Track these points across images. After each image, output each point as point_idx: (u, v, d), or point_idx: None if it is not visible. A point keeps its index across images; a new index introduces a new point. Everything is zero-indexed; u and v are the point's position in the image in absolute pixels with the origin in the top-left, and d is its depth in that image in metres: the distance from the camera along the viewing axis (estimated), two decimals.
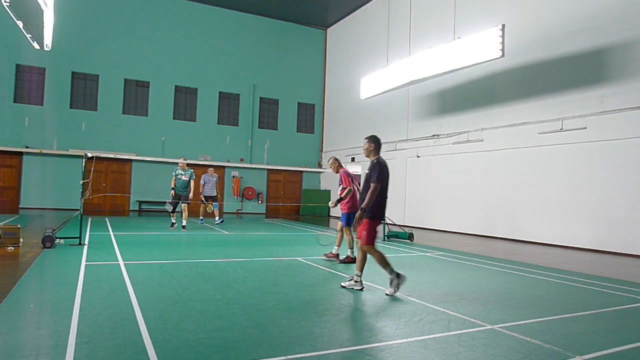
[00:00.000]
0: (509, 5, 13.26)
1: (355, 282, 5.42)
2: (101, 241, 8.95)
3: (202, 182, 13.98)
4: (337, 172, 7.70)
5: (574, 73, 11.37)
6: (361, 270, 5.40)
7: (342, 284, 5.59)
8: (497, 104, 13.44)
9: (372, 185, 5.11)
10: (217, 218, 14.28)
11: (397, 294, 5.24)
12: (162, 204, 19.60)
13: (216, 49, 21.23)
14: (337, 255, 7.69)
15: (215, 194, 14.13)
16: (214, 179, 14.17)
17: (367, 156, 5.51)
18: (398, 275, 5.16)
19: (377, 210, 5.19)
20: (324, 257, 7.77)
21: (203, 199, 13.97)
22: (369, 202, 5.06)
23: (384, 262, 5.21)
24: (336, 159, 7.85)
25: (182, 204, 11.89)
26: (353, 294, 5.26)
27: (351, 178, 7.43)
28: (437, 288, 5.78)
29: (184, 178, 11.90)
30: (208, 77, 20.99)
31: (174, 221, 12.15)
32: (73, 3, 17.76)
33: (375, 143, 5.43)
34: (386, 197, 5.29)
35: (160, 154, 19.48)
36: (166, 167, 19.74)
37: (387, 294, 5.17)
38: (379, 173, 5.14)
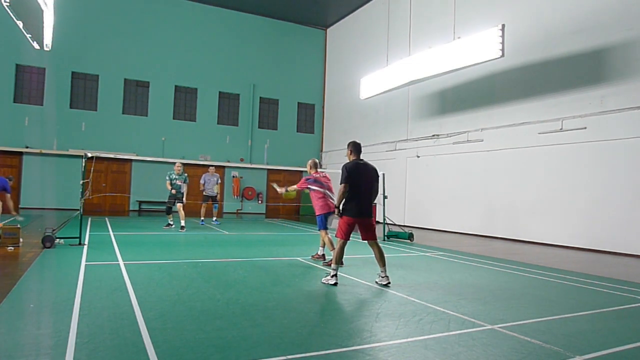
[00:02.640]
0: (509, 5, 13.26)
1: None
2: (101, 241, 8.95)
3: (202, 181, 13.88)
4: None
5: (574, 73, 11.37)
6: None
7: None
8: (497, 104, 13.44)
9: (340, 186, 5.67)
10: (214, 218, 14.30)
11: (398, 294, 5.23)
12: (162, 204, 19.60)
13: (216, 49, 21.23)
14: (323, 256, 7.64)
15: (215, 194, 14.03)
16: (214, 178, 14.03)
17: (348, 159, 6.02)
18: (334, 276, 5.63)
19: (348, 208, 5.65)
20: (311, 258, 7.77)
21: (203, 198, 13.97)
22: (338, 201, 5.67)
23: (338, 257, 5.65)
24: (315, 163, 7.68)
25: (177, 204, 11.90)
26: (352, 294, 5.26)
27: (311, 182, 7.32)
28: (437, 288, 5.78)
29: (178, 182, 11.94)
30: (208, 77, 20.99)
31: (170, 222, 12.20)
32: (73, 3, 17.76)
33: (350, 147, 5.92)
34: (362, 196, 5.66)
35: (160, 154, 19.48)
36: (166, 167, 19.66)
37: (322, 282, 5.74)
38: (345, 177, 5.62)
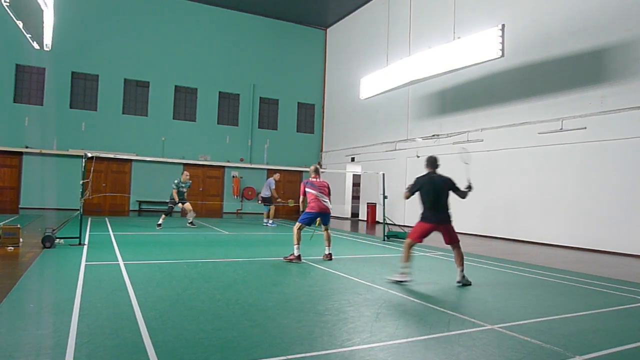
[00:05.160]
0: (509, 5, 13.26)
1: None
2: (101, 241, 8.95)
3: (272, 186, 14.59)
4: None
5: (574, 73, 11.37)
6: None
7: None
8: (497, 104, 13.44)
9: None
10: (270, 220, 14.84)
11: (398, 294, 5.25)
12: (162, 204, 19.59)
13: (216, 49, 21.23)
14: (330, 255, 7.78)
15: (268, 196, 14.71)
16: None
17: None
18: (403, 274, 5.87)
19: (424, 215, 6.05)
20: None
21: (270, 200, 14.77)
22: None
23: (405, 256, 5.95)
24: (316, 169, 8.02)
25: (186, 204, 12.60)
26: (353, 294, 5.25)
27: (309, 186, 7.70)
28: (437, 288, 5.78)
29: (183, 190, 12.64)
30: (208, 77, 20.99)
31: (160, 222, 12.38)
32: (73, 3, 17.76)
33: (426, 162, 6.34)
34: (433, 205, 6.02)
35: (160, 154, 19.47)
36: (166, 167, 19.73)
37: (391, 279, 5.92)
38: (411, 186, 6.17)
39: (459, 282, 6.03)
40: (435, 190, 6.00)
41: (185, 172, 12.92)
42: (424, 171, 6.32)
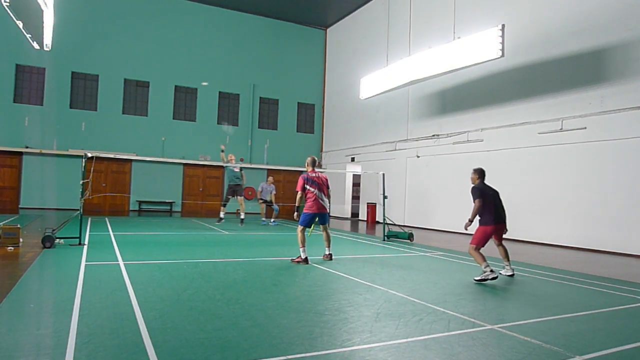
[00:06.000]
0: (509, 5, 13.26)
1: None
2: (101, 241, 8.94)
3: (259, 189, 15.30)
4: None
5: (574, 73, 11.37)
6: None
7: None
8: (497, 104, 13.44)
9: (475, 202, 6.60)
10: (272, 220, 15.27)
11: (398, 294, 5.24)
12: (162, 204, 19.63)
13: (216, 49, 21.23)
14: (330, 255, 7.76)
15: (269, 199, 15.21)
16: (270, 188, 15.28)
17: (473, 183, 6.87)
18: (492, 271, 6.10)
19: (486, 220, 6.52)
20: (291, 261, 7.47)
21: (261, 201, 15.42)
22: (472, 216, 6.53)
23: (478, 260, 6.32)
24: (313, 161, 7.81)
25: (239, 197, 12.85)
26: (353, 294, 5.25)
27: (309, 183, 7.48)
28: (437, 288, 5.78)
29: (235, 170, 12.95)
30: (208, 77, 20.98)
31: (222, 216, 12.61)
32: (73, 3, 17.75)
33: (477, 173, 6.83)
34: (494, 208, 6.57)
35: (160, 154, 19.47)
36: (166, 167, 19.75)
37: (475, 280, 6.22)
38: (478, 194, 6.56)
39: (511, 274, 6.77)
40: (495, 196, 6.67)
41: (231, 156, 13.15)
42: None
